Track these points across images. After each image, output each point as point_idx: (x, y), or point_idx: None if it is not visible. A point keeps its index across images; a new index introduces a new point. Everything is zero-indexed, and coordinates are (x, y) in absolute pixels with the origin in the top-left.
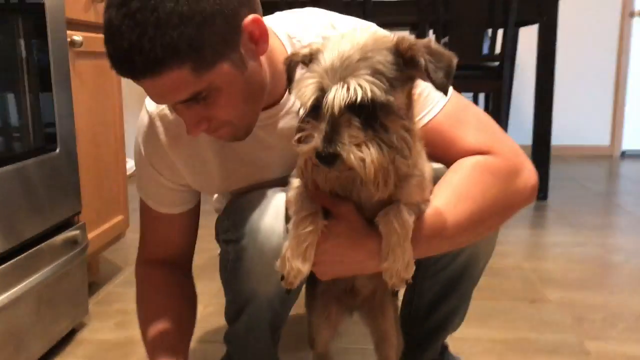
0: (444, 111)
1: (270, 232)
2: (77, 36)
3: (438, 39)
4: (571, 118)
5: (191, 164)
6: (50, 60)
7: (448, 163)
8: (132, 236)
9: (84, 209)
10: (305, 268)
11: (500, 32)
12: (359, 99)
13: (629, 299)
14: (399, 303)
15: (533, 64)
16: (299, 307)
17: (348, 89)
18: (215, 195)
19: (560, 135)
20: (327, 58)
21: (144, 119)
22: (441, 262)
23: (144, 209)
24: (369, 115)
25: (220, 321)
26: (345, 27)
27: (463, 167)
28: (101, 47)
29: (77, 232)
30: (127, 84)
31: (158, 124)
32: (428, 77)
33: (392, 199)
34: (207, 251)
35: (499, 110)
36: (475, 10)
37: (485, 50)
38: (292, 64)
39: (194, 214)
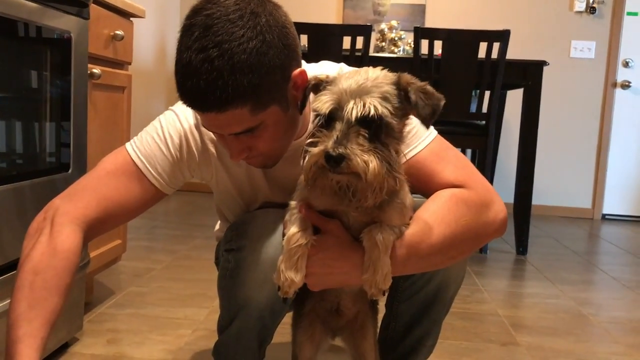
0: (428, 148)
1: (268, 243)
2: (97, 70)
3: None
4: (555, 179)
5: (221, 170)
6: (72, 91)
7: (427, 194)
8: (127, 263)
9: None
10: (297, 278)
11: (487, 93)
12: (371, 114)
13: (595, 346)
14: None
15: (518, 125)
16: (282, 335)
17: (364, 104)
18: (217, 227)
19: (544, 195)
20: (345, 83)
21: (178, 122)
22: (416, 286)
23: (120, 162)
24: (374, 132)
25: (209, 344)
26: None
27: (440, 197)
28: (116, 81)
29: None
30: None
31: (195, 131)
32: (416, 111)
33: (375, 220)
34: (195, 281)
35: (484, 166)
36: (465, 72)
37: (473, 109)
38: (310, 86)
39: (157, 198)
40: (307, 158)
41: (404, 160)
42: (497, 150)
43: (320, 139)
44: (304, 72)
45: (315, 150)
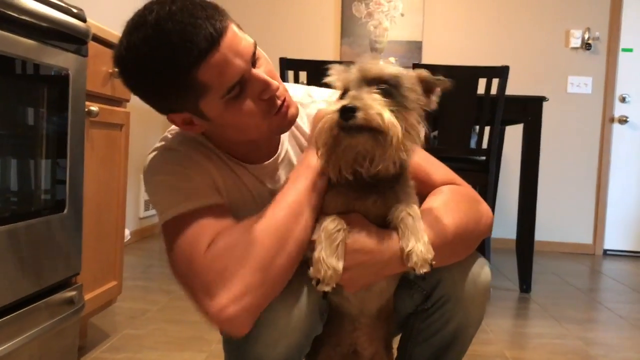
0: (417, 151)
1: (284, 300)
2: (94, 107)
3: (428, 132)
4: (555, 215)
5: (221, 177)
6: (69, 128)
7: (423, 193)
8: (122, 304)
9: (81, 271)
10: (339, 266)
11: (487, 128)
12: (387, 70)
13: None
14: None
15: (518, 160)
16: None
17: (375, 66)
18: None
19: (544, 230)
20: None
21: (158, 153)
22: (433, 327)
23: (175, 225)
24: (391, 96)
25: None
26: (321, 96)
27: (442, 191)
28: (114, 118)
29: (75, 292)
30: (132, 154)
31: (185, 149)
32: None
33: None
34: (193, 323)
35: (485, 202)
36: (464, 107)
37: (473, 144)
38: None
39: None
40: (319, 127)
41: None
42: (497, 185)
43: (334, 105)
44: None
45: (329, 109)
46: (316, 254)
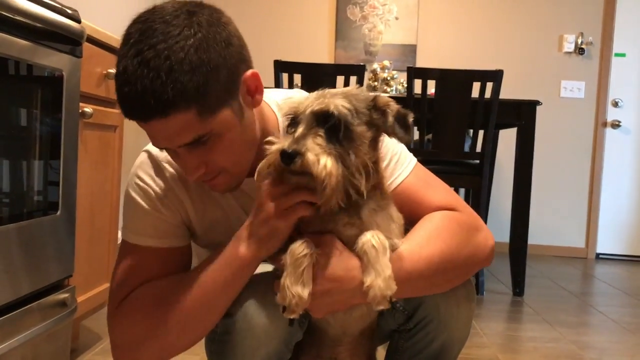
0: (413, 173)
1: (262, 307)
2: (88, 108)
3: (422, 135)
4: (547, 218)
5: (200, 203)
6: (62, 129)
7: (417, 219)
8: None
9: (74, 273)
10: (305, 293)
11: (481, 132)
12: (330, 109)
13: None
14: None
15: (512, 164)
16: None
17: (321, 102)
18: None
19: (537, 234)
20: (314, 92)
21: (143, 159)
22: (418, 346)
23: (130, 250)
24: (337, 136)
25: None
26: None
27: (433, 216)
28: (108, 120)
29: (67, 294)
30: (126, 156)
31: (164, 164)
32: (392, 133)
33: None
34: None
35: (478, 206)
36: (458, 111)
37: (466, 148)
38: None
39: (187, 251)
40: (264, 159)
41: (392, 187)
42: (491, 189)
43: (278, 141)
44: (256, 75)
45: (271, 149)
46: (282, 280)
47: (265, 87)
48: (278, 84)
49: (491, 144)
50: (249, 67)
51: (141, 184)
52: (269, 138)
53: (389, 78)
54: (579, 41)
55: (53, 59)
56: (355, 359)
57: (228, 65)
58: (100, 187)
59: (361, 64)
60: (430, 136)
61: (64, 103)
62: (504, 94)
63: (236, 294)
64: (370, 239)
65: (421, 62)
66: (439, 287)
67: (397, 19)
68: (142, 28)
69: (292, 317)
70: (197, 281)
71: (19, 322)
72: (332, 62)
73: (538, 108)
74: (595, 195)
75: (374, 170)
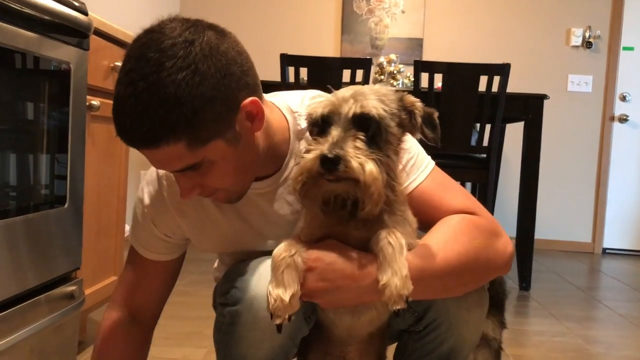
0: (430, 177)
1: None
2: (95, 101)
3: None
4: (554, 213)
5: (197, 222)
6: (69, 122)
7: (434, 224)
8: None
9: (81, 266)
10: (287, 295)
11: (488, 126)
12: (371, 112)
13: None
14: None
15: (518, 159)
16: None
17: (362, 105)
18: (215, 265)
19: (544, 229)
20: (341, 92)
21: (152, 174)
22: (427, 347)
23: (132, 253)
24: (372, 137)
25: None
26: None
27: (451, 219)
28: None
29: (75, 287)
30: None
31: (165, 183)
32: (422, 133)
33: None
34: (192, 319)
35: (485, 200)
36: (465, 105)
37: (473, 142)
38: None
39: (178, 262)
40: (299, 166)
41: (408, 190)
42: (497, 183)
43: (314, 147)
44: (256, 102)
45: (309, 155)
46: (268, 287)
47: (272, 81)
48: (284, 78)
49: (498, 138)
50: (252, 93)
51: (141, 198)
52: (302, 147)
53: (395, 72)
54: (587, 35)
55: (60, 52)
56: (365, 358)
57: (223, 96)
58: (107, 180)
59: (368, 57)
60: None
61: (71, 96)
62: (511, 88)
63: None
64: (386, 236)
65: (427, 56)
66: (454, 291)
67: (403, 12)
68: (138, 55)
69: (277, 322)
70: None
71: (26, 314)
72: (338, 55)
73: (545, 102)
74: (602, 190)
75: (398, 181)
